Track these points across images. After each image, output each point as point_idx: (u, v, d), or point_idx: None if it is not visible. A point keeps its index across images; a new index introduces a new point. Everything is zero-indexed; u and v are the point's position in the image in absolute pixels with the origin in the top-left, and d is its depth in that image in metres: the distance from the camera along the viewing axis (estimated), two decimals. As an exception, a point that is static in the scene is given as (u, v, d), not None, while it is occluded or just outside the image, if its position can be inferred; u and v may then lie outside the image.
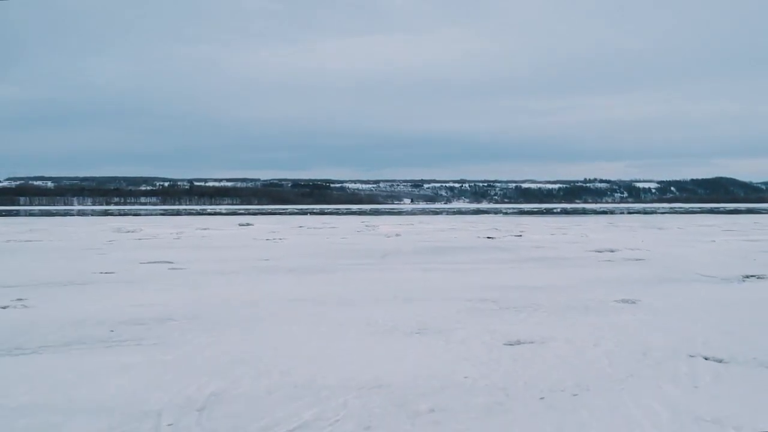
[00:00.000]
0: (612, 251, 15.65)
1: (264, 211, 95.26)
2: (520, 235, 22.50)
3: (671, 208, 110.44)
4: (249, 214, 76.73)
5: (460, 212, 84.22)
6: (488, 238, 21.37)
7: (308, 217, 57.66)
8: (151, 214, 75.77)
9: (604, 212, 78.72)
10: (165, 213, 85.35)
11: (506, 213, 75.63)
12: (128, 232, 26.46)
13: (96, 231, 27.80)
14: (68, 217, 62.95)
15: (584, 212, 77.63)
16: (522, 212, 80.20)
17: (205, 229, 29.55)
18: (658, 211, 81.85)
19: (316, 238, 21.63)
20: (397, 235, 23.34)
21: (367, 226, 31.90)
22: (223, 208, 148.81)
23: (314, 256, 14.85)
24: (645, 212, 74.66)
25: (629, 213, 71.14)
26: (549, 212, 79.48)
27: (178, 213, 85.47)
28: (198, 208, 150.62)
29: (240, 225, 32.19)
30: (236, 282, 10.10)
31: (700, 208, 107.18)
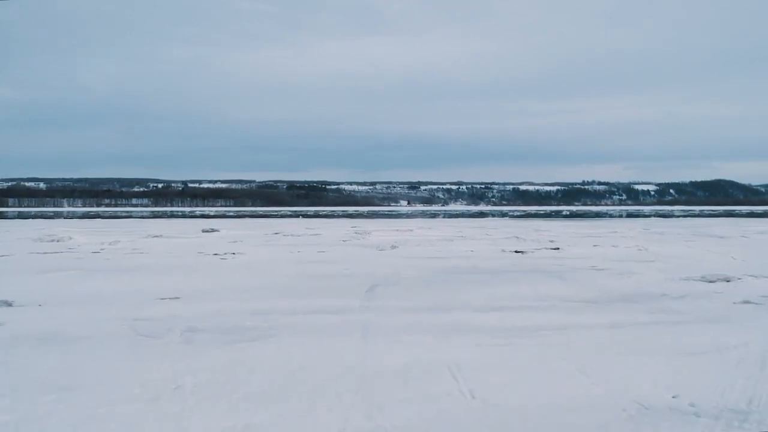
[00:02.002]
0: (727, 280, 10.07)
1: (256, 214, 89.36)
2: (557, 248, 16.91)
3: (685, 210, 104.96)
4: (238, 216, 71.00)
5: (462, 215, 78.65)
6: (516, 252, 15.78)
7: (294, 220, 51.98)
8: (126, 217, 69.93)
9: (618, 215, 73.27)
10: (144, 216, 79.59)
11: (513, 216, 70.02)
12: (51, 241, 20.81)
13: (9, 240, 22.09)
14: (27, 219, 56.99)
15: (598, 216, 72.13)
16: (528, 215, 74.65)
17: (156, 236, 23.90)
18: (675, 214, 76.35)
19: (283, 253, 16.00)
20: (392, 246, 17.75)
21: (357, 232, 26.27)
22: (212, 210, 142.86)
23: (258, 289, 9.22)
24: (661, 215, 69.21)
25: (647, 216, 65.59)
26: (558, 215, 73.98)
27: (160, 216, 79.64)
28: (187, 210, 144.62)
29: (203, 231, 26.53)
30: (26, 380, 4.47)
31: (713, 211, 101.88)
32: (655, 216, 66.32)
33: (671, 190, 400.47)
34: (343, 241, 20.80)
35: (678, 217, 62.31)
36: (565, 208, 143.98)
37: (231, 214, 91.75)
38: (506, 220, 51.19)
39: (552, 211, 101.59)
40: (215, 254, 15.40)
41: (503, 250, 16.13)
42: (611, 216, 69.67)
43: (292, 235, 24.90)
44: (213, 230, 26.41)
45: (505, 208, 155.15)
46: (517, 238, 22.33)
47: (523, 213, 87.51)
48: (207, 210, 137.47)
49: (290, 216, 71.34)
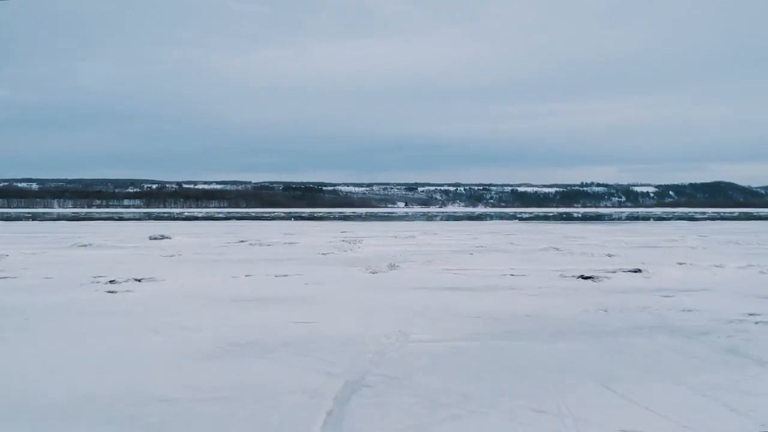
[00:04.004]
0: None
1: (246, 215, 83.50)
2: (638, 270, 11.36)
3: (701, 213, 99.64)
4: (226, 218, 65.36)
5: (463, 217, 73.13)
6: (583, 278, 10.23)
7: (282, 223, 46.33)
8: (107, 219, 64.23)
9: (620, 217, 67.89)
10: (132, 218, 73.94)
11: (521, 218, 64.48)
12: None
13: None
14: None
15: (613, 218, 66.73)
16: (538, 217, 69.22)
17: (83, 246, 18.33)
18: (696, 217, 70.92)
19: (222, 279, 10.44)
20: (391, 266, 12.21)
21: (345, 240, 20.73)
22: (202, 211, 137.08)
23: (64, 415, 3.62)
24: (683, 218, 63.82)
25: (669, 218, 60.16)
26: (570, 217, 68.59)
27: (142, 218, 73.90)
28: (175, 211, 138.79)
29: (150, 239, 20.95)
30: None
31: (729, 213, 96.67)
32: (675, 219, 60.94)
33: (670, 192, 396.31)
34: (323, 254, 15.24)
35: (699, 220, 56.92)
36: (574, 210, 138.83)
37: (220, 215, 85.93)
38: (516, 224, 45.63)
39: (562, 213, 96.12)
40: (112, 282, 9.81)
41: (562, 275, 10.55)
42: (629, 219, 64.24)
43: (260, 243, 19.31)
44: (163, 237, 20.87)
45: (507, 210, 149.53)
46: (557, 249, 16.80)
47: (531, 215, 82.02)
48: (197, 212, 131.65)
49: (282, 218, 65.70)
